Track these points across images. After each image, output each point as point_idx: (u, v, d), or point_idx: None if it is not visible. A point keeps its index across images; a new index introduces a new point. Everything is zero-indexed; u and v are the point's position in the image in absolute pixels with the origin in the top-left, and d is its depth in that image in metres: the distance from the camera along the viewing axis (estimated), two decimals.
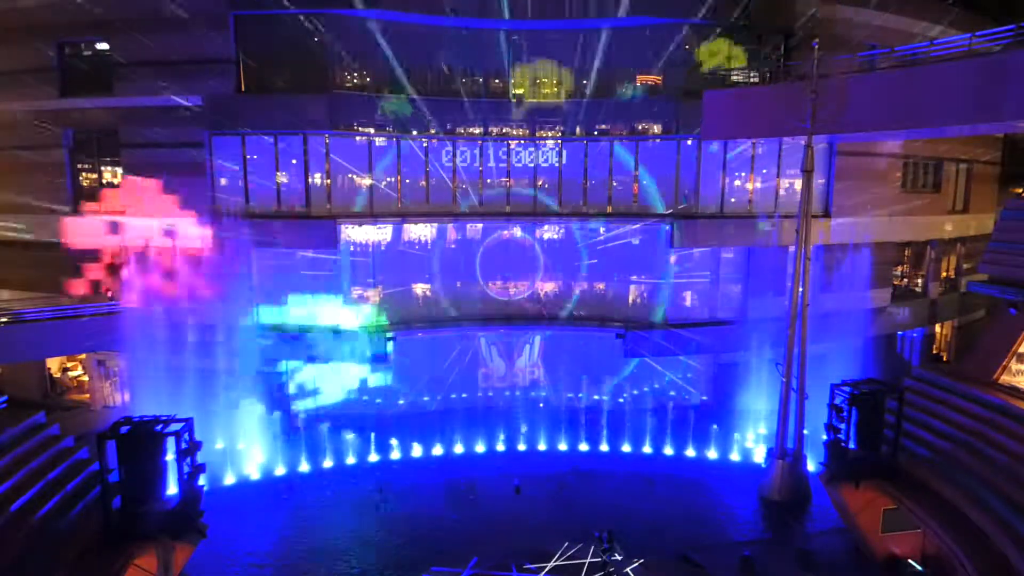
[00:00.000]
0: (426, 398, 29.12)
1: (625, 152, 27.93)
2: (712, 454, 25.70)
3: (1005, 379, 21.42)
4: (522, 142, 27.80)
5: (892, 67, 22.11)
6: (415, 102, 25.89)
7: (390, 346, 27.11)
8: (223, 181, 26.11)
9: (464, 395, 29.31)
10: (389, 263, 28.21)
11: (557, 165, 28.02)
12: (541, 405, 29.54)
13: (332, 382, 29.26)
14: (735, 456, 25.56)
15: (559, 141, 27.75)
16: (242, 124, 25.31)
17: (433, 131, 26.77)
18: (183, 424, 16.69)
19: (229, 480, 23.11)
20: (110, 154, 26.59)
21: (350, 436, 25.61)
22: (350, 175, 26.98)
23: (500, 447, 26.13)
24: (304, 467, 24.25)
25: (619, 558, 18.00)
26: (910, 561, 18.61)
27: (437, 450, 25.73)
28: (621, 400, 30.03)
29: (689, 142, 27.41)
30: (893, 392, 19.70)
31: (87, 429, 23.08)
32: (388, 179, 27.41)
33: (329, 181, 26.35)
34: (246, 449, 24.64)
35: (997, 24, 20.15)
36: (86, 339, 24.79)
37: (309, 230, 26.03)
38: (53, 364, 29.72)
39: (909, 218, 30.40)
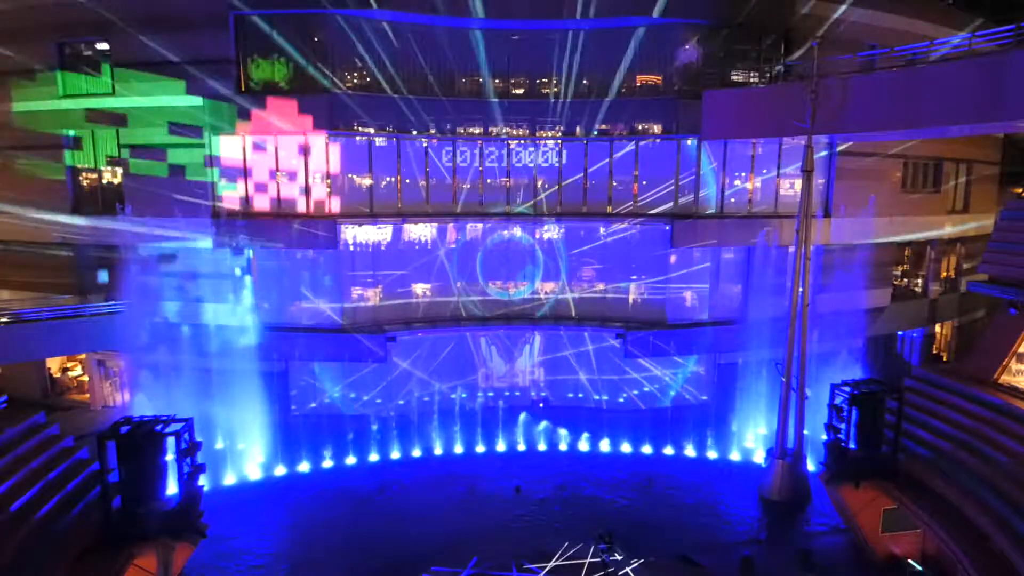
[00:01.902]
0: (426, 398, 29.10)
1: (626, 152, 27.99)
2: (712, 454, 25.70)
3: (1005, 379, 21.41)
4: (522, 142, 27.80)
5: (892, 67, 22.11)
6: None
7: (390, 346, 27.13)
8: (223, 181, 26.11)
9: (464, 395, 29.30)
10: (389, 263, 28.19)
11: (557, 165, 28.02)
12: (541, 405, 29.56)
13: (331, 382, 29.29)
14: (735, 456, 25.56)
15: (559, 141, 27.75)
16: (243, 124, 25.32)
17: (433, 131, 26.79)
18: (183, 424, 16.69)
19: (229, 480, 23.14)
20: (110, 154, 26.58)
21: (350, 436, 25.64)
22: (350, 175, 27.00)
23: (500, 447, 26.13)
24: (304, 467, 24.26)
25: (619, 558, 18.01)
26: (910, 561, 18.62)
27: (437, 450, 25.75)
28: (621, 400, 30.04)
29: (689, 142, 27.41)
30: (893, 392, 19.70)
31: (87, 429, 23.09)
32: (388, 179, 27.41)
33: (329, 181, 26.36)
34: (246, 449, 24.66)
35: (996, 24, 20.16)
36: (86, 339, 24.89)
37: (309, 230, 26.05)
38: (53, 364, 29.73)
39: (909, 218, 30.40)
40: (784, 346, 22.52)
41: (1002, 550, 15.78)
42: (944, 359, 34.37)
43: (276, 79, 25.86)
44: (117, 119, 25.61)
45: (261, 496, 22.36)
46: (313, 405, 28.92)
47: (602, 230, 28.88)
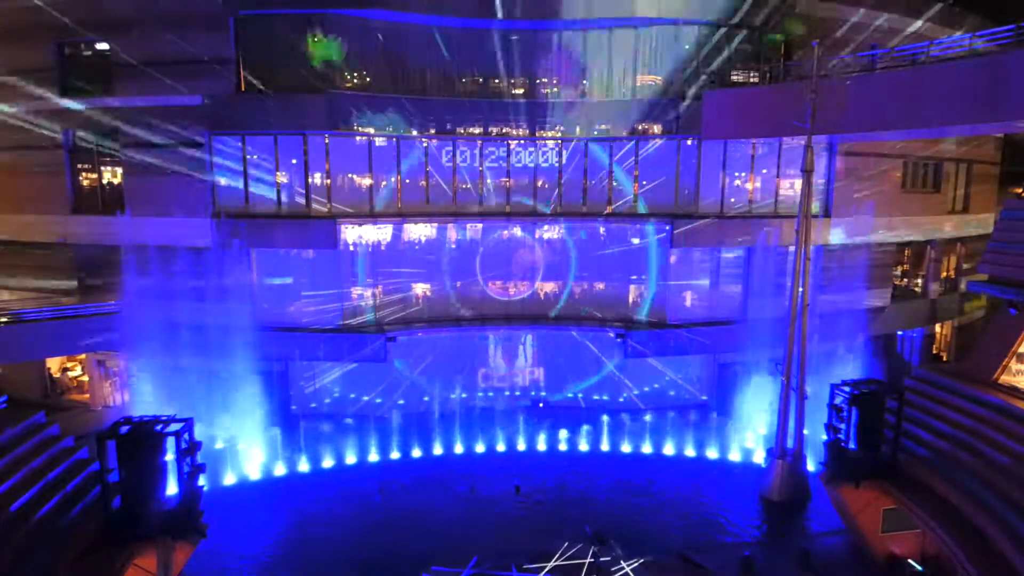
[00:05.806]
0: (426, 398, 29.12)
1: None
2: (712, 454, 25.70)
3: (1005, 379, 21.39)
4: (522, 142, 27.79)
5: (892, 67, 22.11)
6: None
7: (390, 346, 27.12)
8: (223, 181, 26.11)
9: (464, 395, 29.30)
10: (389, 263, 28.19)
11: (557, 165, 28.01)
12: (541, 405, 29.56)
13: (332, 382, 29.28)
14: (735, 456, 25.55)
15: (559, 141, 27.74)
16: (242, 124, 25.32)
17: (433, 131, 26.79)
18: (183, 424, 16.68)
19: (229, 480, 23.14)
20: (110, 154, 26.59)
21: (350, 436, 25.64)
22: (350, 175, 26.99)
23: (500, 447, 26.13)
24: (303, 466, 24.26)
25: (607, 559, 18.01)
26: (910, 561, 18.62)
27: (437, 450, 25.75)
28: (621, 400, 30.04)
29: (689, 142, 27.40)
30: (893, 392, 19.70)
31: (87, 429, 23.08)
32: (388, 179, 27.39)
33: (329, 181, 26.35)
34: (246, 449, 24.64)
35: (996, 24, 20.15)
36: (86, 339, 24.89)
37: (309, 230, 26.05)
38: (53, 364, 29.70)
39: (909, 218, 30.40)
40: (784, 346, 22.53)
41: (1002, 550, 15.79)
42: (944, 359, 34.37)
43: (276, 79, 25.83)
44: (117, 119, 25.60)
45: (261, 496, 22.35)
46: (313, 405, 28.93)
47: (602, 230, 28.89)
